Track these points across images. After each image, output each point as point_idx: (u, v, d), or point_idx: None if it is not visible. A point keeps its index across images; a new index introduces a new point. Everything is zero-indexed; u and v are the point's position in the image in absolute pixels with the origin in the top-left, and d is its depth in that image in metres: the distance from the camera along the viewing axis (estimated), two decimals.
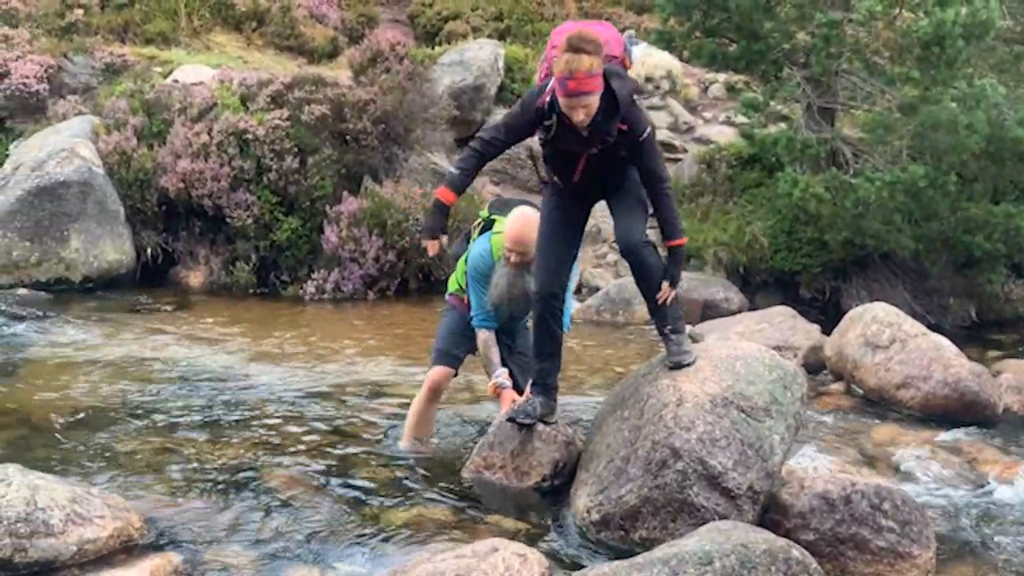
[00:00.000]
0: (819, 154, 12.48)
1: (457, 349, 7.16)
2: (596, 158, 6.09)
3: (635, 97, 6.02)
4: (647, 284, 6.31)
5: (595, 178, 6.23)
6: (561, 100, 5.82)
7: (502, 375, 6.95)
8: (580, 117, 5.78)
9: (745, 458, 5.67)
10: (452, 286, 7.35)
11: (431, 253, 6.26)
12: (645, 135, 5.97)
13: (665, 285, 6.20)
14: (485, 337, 7.00)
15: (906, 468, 7.32)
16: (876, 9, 11.35)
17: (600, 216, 14.28)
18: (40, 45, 16.20)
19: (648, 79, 6.12)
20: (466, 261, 7.14)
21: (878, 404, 8.76)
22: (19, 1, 17.81)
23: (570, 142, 6.05)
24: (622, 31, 6.41)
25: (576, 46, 5.66)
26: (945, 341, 8.89)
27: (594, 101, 5.77)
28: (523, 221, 6.72)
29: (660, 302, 6.27)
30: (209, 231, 13.27)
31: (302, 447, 7.25)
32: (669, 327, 6.28)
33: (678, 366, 6.09)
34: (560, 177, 6.35)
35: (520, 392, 6.98)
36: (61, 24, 17.39)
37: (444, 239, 6.25)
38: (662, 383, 6.01)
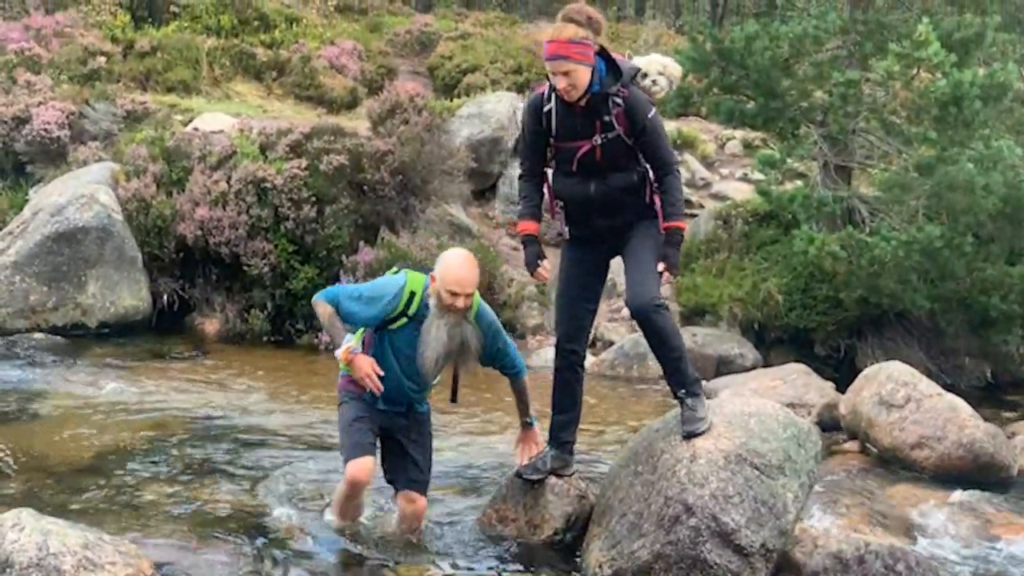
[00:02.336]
0: (835, 212, 12.50)
1: (368, 436, 6.29)
2: (602, 151, 6.05)
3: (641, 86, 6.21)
4: (659, 348, 6.20)
5: (607, 194, 6.11)
6: (547, 68, 5.94)
7: (354, 342, 6.22)
8: (562, 85, 5.84)
9: (758, 515, 5.66)
10: (346, 366, 6.39)
11: (542, 280, 6.44)
12: (651, 115, 5.98)
13: (660, 266, 6.01)
14: (326, 309, 6.22)
15: (920, 529, 7.28)
16: (894, 69, 11.40)
17: (616, 270, 14.34)
18: (62, 91, 16.33)
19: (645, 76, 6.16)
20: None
21: (892, 463, 8.73)
22: (42, 47, 17.98)
23: (571, 129, 6.06)
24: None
25: (567, 16, 5.88)
26: (960, 401, 8.87)
27: (577, 71, 5.82)
28: (467, 259, 6.24)
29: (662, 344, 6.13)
30: (226, 279, 13.30)
31: (316, 498, 7.24)
32: (683, 391, 6.14)
33: (691, 436, 5.95)
34: (570, 197, 6.25)
35: (420, 489, 6.45)
36: (83, 71, 17.55)
37: (547, 264, 6.30)
38: (676, 439, 6.00)
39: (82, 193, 13.01)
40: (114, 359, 11.51)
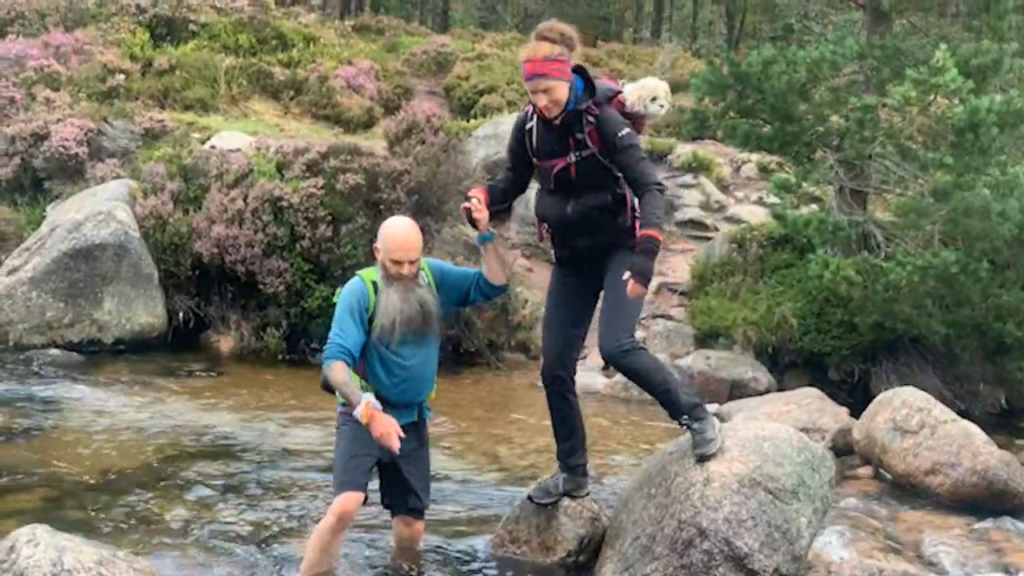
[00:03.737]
0: (850, 237, 12.49)
1: (364, 470, 6.14)
2: (577, 168, 6.01)
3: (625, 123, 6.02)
4: (644, 386, 6.14)
5: (583, 213, 6.03)
6: (527, 88, 6.00)
7: (373, 399, 5.94)
8: (543, 103, 5.90)
9: (772, 540, 5.65)
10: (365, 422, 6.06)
11: (470, 210, 6.13)
12: (622, 133, 5.92)
13: (627, 275, 5.73)
14: (339, 368, 5.98)
15: (933, 556, 7.26)
16: (911, 95, 11.40)
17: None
18: (81, 109, 16.42)
19: (638, 114, 6.09)
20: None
21: (906, 489, 8.70)
22: (61, 65, 18.09)
23: (548, 147, 6.07)
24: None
25: (540, 35, 5.93)
26: (974, 428, 8.84)
27: (556, 87, 5.88)
28: (405, 224, 6.22)
29: (625, 315, 5.96)
30: (241, 297, 13.33)
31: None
32: (686, 416, 6.05)
33: (703, 459, 5.89)
34: (550, 216, 6.20)
35: (418, 514, 6.44)
36: (102, 88, 17.66)
37: (477, 198, 6.12)
38: (689, 461, 5.99)
39: (100, 210, 13.07)
40: (129, 376, 11.55)
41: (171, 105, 18.12)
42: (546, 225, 6.28)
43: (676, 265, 15.63)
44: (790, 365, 13.03)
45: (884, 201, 14.19)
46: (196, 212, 13.46)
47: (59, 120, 15.78)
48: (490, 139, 16.61)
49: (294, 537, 6.83)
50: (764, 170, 18.30)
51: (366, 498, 6.14)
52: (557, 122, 5.97)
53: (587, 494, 6.54)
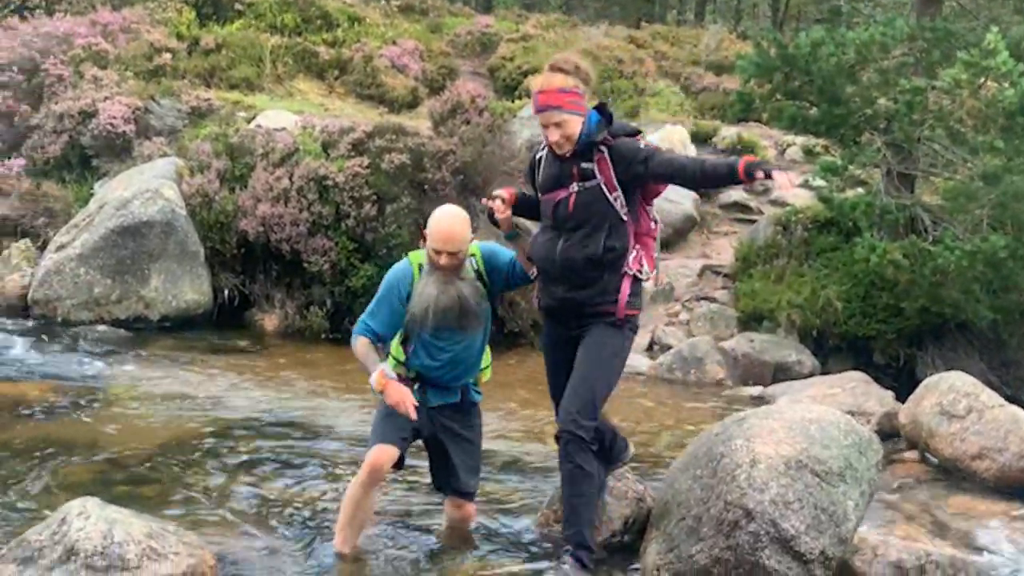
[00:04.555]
0: (898, 220, 12.42)
1: (400, 430, 6.12)
2: (576, 201, 5.73)
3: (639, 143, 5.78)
4: (565, 485, 5.87)
5: (570, 260, 5.73)
6: (539, 121, 5.82)
7: (389, 369, 6.05)
8: (554, 137, 5.68)
9: (818, 522, 5.63)
10: (391, 364, 6.33)
11: (493, 210, 5.96)
12: (644, 146, 5.72)
13: (777, 175, 5.33)
14: (360, 343, 6.09)
15: (980, 540, 7.23)
16: (961, 78, 11.31)
17: (673, 273, 14.35)
18: (128, 87, 16.49)
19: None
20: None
21: (952, 474, 8.65)
22: (109, 43, 18.17)
23: (551, 178, 5.83)
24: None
25: (554, 66, 5.75)
26: (1022, 413, 8.78)
27: (569, 121, 5.65)
28: (451, 215, 6.06)
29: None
30: (286, 275, 13.37)
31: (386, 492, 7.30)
32: (570, 548, 5.84)
33: None
34: (538, 256, 5.91)
35: (466, 496, 6.43)
36: (149, 67, 17.71)
37: (503, 200, 5.93)
38: (736, 443, 5.98)
39: (147, 188, 13.14)
40: (175, 352, 11.62)
41: (217, 84, 18.16)
42: (534, 267, 6.02)
43: (720, 247, 15.59)
44: (834, 349, 12.97)
45: (932, 185, 14.08)
46: (242, 190, 13.50)
47: (107, 98, 15.84)
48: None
49: (336, 513, 6.86)
50: (809, 153, 18.19)
51: (402, 460, 6.16)
52: (567, 154, 5.76)
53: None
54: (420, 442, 6.43)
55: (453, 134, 14.12)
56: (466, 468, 6.36)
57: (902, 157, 12.93)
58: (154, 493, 7.17)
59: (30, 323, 12.36)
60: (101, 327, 12.27)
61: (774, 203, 16.64)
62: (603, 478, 6.28)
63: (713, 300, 13.89)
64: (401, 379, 6.14)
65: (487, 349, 6.44)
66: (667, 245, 14.71)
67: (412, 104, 19.79)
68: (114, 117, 15.42)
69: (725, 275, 14.45)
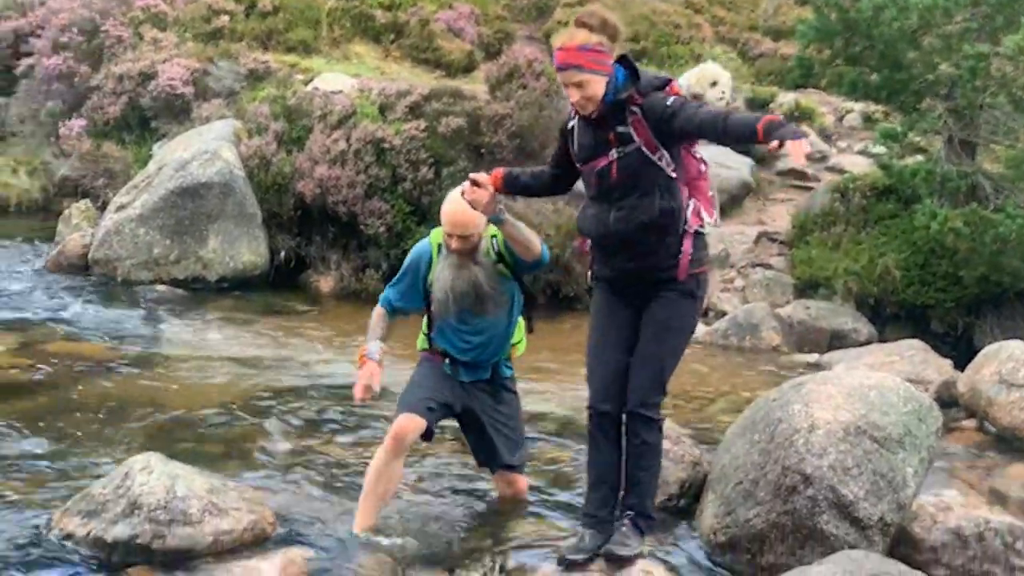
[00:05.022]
0: (959, 188, 12.30)
1: (428, 399, 6.04)
2: (619, 167, 5.31)
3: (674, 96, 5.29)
4: (632, 461, 5.55)
5: (627, 231, 5.32)
6: (559, 79, 5.40)
7: (375, 349, 6.08)
8: (575, 98, 5.25)
9: (877, 488, 5.62)
10: (420, 343, 6.40)
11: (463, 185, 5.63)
12: (671, 100, 5.21)
13: (788, 145, 4.73)
14: (375, 314, 6.24)
15: None
16: None
17: (728, 239, 14.29)
18: (187, 49, 16.58)
19: (696, 96, 5.88)
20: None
21: (1011, 443, 8.57)
22: (168, 5, 18.26)
23: (588, 147, 5.42)
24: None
25: (579, 21, 5.28)
26: None
27: (590, 81, 5.20)
28: (452, 196, 5.88)
29: None
30: (342, 237, 13.43)
31: (429, 455, 7.33)
32: (635, 514, 5.60)
33: (609, 555, 5.44)
34: (590, 230, 5.54)
35: (513, 469, 6.35)
36: (207, 29, 17.78)
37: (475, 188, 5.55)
38: (794, 408, 5.96)
39: (206, 149, 13.23)
40: (233, 313, 11.73)
41: (274, 47, 18.19)
42: (588, 240, 5.66)
43: (776, 214, 15.49)
44: (892, 317, 12.88)
45: (993, 152, 13.91)
46: (299, 153, 13.57)
47: (166, 60, 15.95)
48: None
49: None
50: (868, 120, 18.04)
51: (431, 432, 6.08)
52: (595, 117, 5.30)
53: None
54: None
55: (509, 98, 14.11)
56: (505, 442, 6.27)
57: (964, 124, 12.79)
58: (214, 451, 7.25)
59: (91, 282, 12.50)
60: (160, 287, 12.41)
61: (831, 170, 16.52)
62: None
63: (769, 267, 13.83)
64: (432, 353, 6.26)
65: (520, 322, 6.33)
66: (723, 211, 14.57)
67: (468, 68, 19.74)
68: (173, 79, 15.52)
69: (781, 242, 14.37)
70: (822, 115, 18.28)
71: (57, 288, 12.10)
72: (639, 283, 5.46)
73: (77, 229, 13.66)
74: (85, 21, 17.13)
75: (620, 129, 5.26)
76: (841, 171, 15.90)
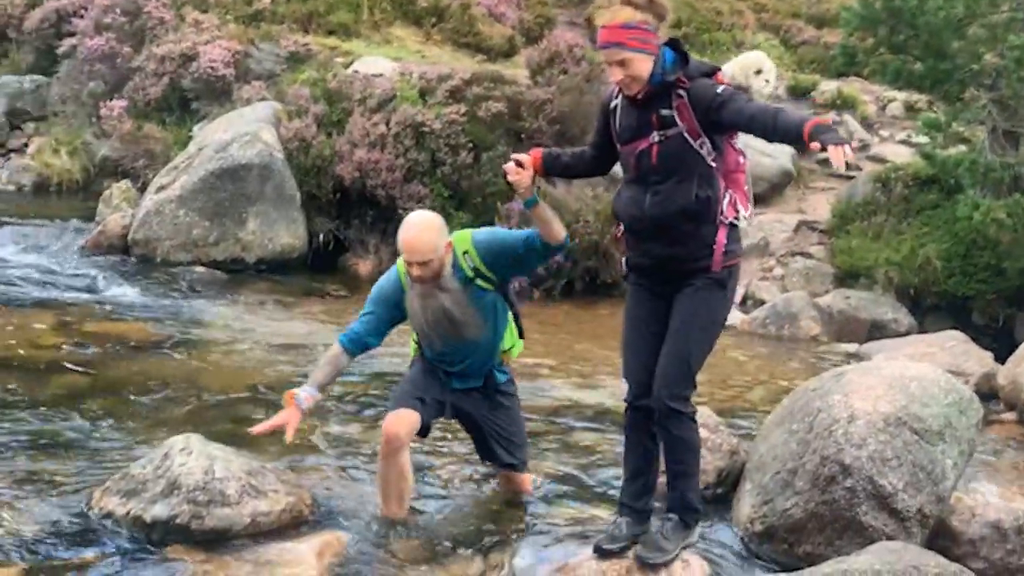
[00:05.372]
0: (1002, 179, 12.18)
1: (419, 395, 5.91)
2: (660, 151, 5.15)
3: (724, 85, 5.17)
4: (670, 457, 5.38)
5: (662, 216, 5.17)
6: (602, 57, 5.32)
7: (306, 396, 5.83)
8: (618, 77, 5.10)
9: (916, 480, 5.59)
10: (412, 351, 6.28)
11: (511, 176, 5.47)
12: (721, 89, 5.08)
13: (831, 149, 4.57)
14: (328, 354, 6.04)
15: None
16: None
17: (768, 228, 14.22)
18: (228, 31, 16.62)
19: (741, 87, 5.78)
20: None
21: None
22: None
23: (629, 127, 5.25)
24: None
25: None
26: None
27: (633, 60, 5.03)
28: (416, 223, 5.65)
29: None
30: (380, 221, 13.44)
31: (467, 440, 7.33)
32: (677, 511, 5.45)
33: (641, 560, 5.29)
34: (624, 212, 5.38)
35: (513, 468, 6.22)
36: (248, 11, 17.81)
37: (520, 164, 5.45)
38: (833, 398, 5.93)
39: (246, 131, 13.27)
40: (270, 295, 11.77)
41: (314, 29, 18.21)
42: (621, 226, 5.50)
43: (816, 203, 15.41)
44: (932, 308, 12.79)
45: None
46: (339, 135, 13.60)
47: (207, 42, 15.98)
48: None
49: (432, 458, 6.93)
50: (911, 109, 17.89)
51: (427, 428, 5.99)
52: (640, 98, 5.14)
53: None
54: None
55: (550, 83, 14.10)
56: (503, 444, 6.13)
57: (1008, 114, 12.66)
58: (248, 432, 7.26)
59: (130, 263, 12.57)
60: (199, 268, 12.46)
61: (873, 159, 16.41)
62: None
63: (808, 256, 13.77)
64: (423, 359, 6.10)
65: (511, 327, 6.10)
66: (763, 199, 14.56)
67: (508, 53, 19.69)
68: (214, 60, 15.57)
69: (821, 231, 14.29)
70: (864, 103, 18.15)
71: (97, 268, 12.17)
72: (671, 272, 5.30)
73: (117, 210, 13.73)
74: (128, 2, 17.18)
75: (664, 112, 5.12)
76: (883, 160, 15.80)
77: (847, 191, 14.71)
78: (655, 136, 5.15)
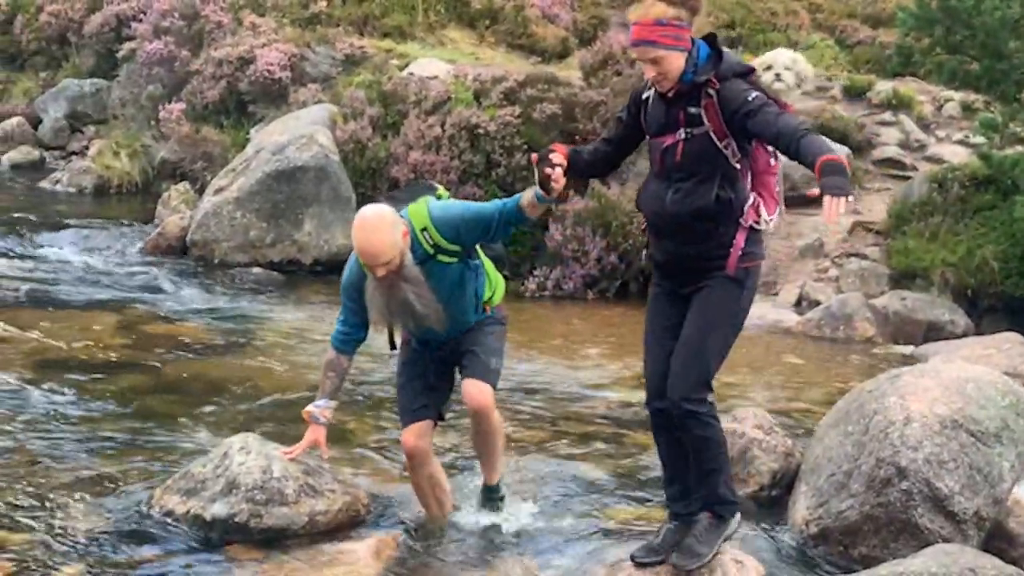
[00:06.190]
0: None
1: (418, 399, 5.86)
2: (685, 148, 5.08)
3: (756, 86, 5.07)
4: (695, 457, 5.24)
5: (679, 213, 5.10)
6: (634, 55, 5.18)
7: (319, 407, 5.86)
8: (651, 74, 5.02)
9: (973, 483, 5.59)
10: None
11: (548, 178, 5.16)
12: (753, 96, 4.95)
13: (827, 201, 4.60)
14: (326, 359, 5.98)
15: None
16: None
17: (822, 228, 14.15)
18: (284, 34, 16.76)
19: (768, 68, 5.69)
20: None
21: None
22: None
23: (657, 121, 5.18)
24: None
25: None
26: None
27: (666, 57, 4.95)
28: (365, 226, 5.39)
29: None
30: None
31: (520, 440, 7.38)
32: (713, 508, 5.31)
33: (677, 568, 5.23)
34: (646, 206, 5.32)
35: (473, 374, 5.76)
36: (305, 15, 17.95)
37: (557, 164, 5.16)
38: (889, 400, 5.93)
39: (302, 133, 13.38)
40: (327, 296, 11.84)
41: (370, 32, 18.31)
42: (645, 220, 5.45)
43: (871, 203, 15.31)
44: (989, 309, 12.68)
45: None
46: (394, 137, 13.69)
47: (264, 45, 16.13)
48: None
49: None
50: (968, 109, 17.72)
51: (440, 415, 5.93)
52: (671, 95, 5.09)
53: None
54: None
55: (604, 85, 14.11)
56: (479, 351, 5.78)
57: None
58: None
59: (188, 264, 12.71)
60: (256, 269, 12.57)
61: (929, 159, 16.29)
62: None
63: (864, 257, 13.67)
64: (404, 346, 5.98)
65: (490, 277, 5.91)
66: (817, 201, 14.45)
67: (562, 55, 19.70)
68: (271, 64, 15.71)
69: (877, 232, 14.20)
70: (920, 103, 17.98)
71: (156, 269, 12.31)
72: (687, 269, 5.24)
73: (176, 211, 13.90)
74: (186, 6, 17.38)
75: (692, 110, 5.05)
76: (939, 161, 15.67)
77: (903, 191, 14.61)
78: (681, 133, 5.08)
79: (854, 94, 17.29)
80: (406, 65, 15.98)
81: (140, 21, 17.76)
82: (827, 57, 20.03)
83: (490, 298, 5.92)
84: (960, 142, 16.53)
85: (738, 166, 5.11)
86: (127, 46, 17.81)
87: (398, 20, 18.72)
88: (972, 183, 13.67)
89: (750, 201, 5.17)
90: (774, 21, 21.51)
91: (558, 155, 5.22)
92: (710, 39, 5.12)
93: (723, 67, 5.04)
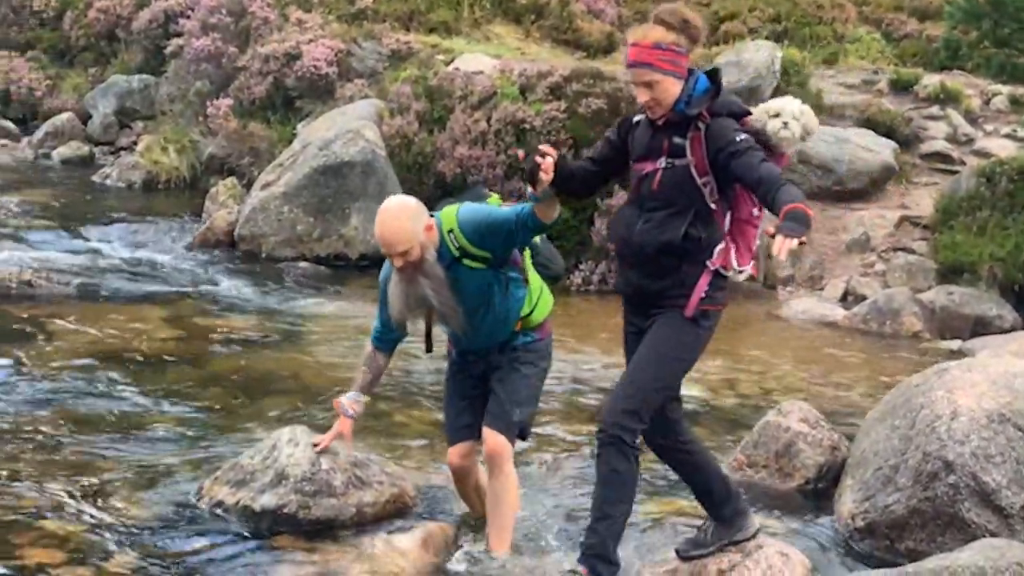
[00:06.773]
0: None
1: (462, 417, 5.78)
2: (663, 178, 4.99)
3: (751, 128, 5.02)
4: (602, 497, 5.09)
5: (646, 244, 4.99)
6: (629, 77, 5.16)
7: (349, 399, 5.81)
8: (644, 99, 4.94)
9: (1020, 477, 5.58)
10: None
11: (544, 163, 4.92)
12: (741, 137, 4.89)
13: (779, 239, 4.39)
14: (366, 352, 5.93)
15: None
16: None
17: (869, 223, 14.10)
18: (331, 30, 16.85)
19: (759, 132, 5.66)
20: None
21: None
22: None
23: (642, 146, 5.08)
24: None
25: (658, 17, 4.95)
26: None
27: (661, 82, 4.89)
28: (387, 213, 5.41)
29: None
30: None
31: (562, 433, 7.42)
32: (587, 552, 5.11)
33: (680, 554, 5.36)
34: (615, 232, 5.25)
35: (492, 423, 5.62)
36: (351, 10, 18.04)
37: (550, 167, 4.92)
38: (936, 394, 5.93)
39: (348, 128, 13.44)
40: (372, 290, 11.85)
41: (416, 27, 18.39)
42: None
43: (918, 198, 15.24)
44: None
45: None
46: (440, 132, 13.72)
47: (310, 41, 16.22)
48: (731, 67, 16.35)
49: (530, 453, 7.00)
50: (1016, 103, 17.60)
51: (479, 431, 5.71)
52: (661, 122, 5.00)
53: (753, 535, 5.44)
54: None
55: None
56: (504, 394, 5.63)
57: None
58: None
59: (236, 258, 12.82)
60: (303, 263, 12.65)
61: (977, 153, 16.20)
62: (707, 538, 5.45)
63: (911, 251, 13.61)
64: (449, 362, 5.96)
65: (528, 295, 5.75)
66: (864, 195, 14.44)
67: (608, 49, 19.71)
68: (317, 59, 15.80)
69: (924, 226, 14.13)
70: (968, 97, 17.87)
71: (204, 263, 12.44)
72: (650, 304, 5.11)
73: (223, 206, 14.00)
74: (233, 3, 17.49)
75: (677, 140, 4.97)
76: (987, 155, 15.57)
77: (951, 186, 14.52)
78: (662, 162, 5.00)
79: (901, 88, 17.20)
80: (451, 60, 16.03)
81: (188, 17, 17.88)
82: (874, 50, 19.92)
83: (529, 315, 5.76)
84: (1008, 136, 16.43)
85: (714, 206, 5.02)
86: (175, 42, 17.94)
87: (443, 15, 18.78)
88: (1020, 177, 13.59)
89: (721, 245, 5.05)
90: (820, 15, 21.39)
91: (548, 149, 5.02)
92: (712, 73, 5.06)
93: (718, 103, 4.99)
